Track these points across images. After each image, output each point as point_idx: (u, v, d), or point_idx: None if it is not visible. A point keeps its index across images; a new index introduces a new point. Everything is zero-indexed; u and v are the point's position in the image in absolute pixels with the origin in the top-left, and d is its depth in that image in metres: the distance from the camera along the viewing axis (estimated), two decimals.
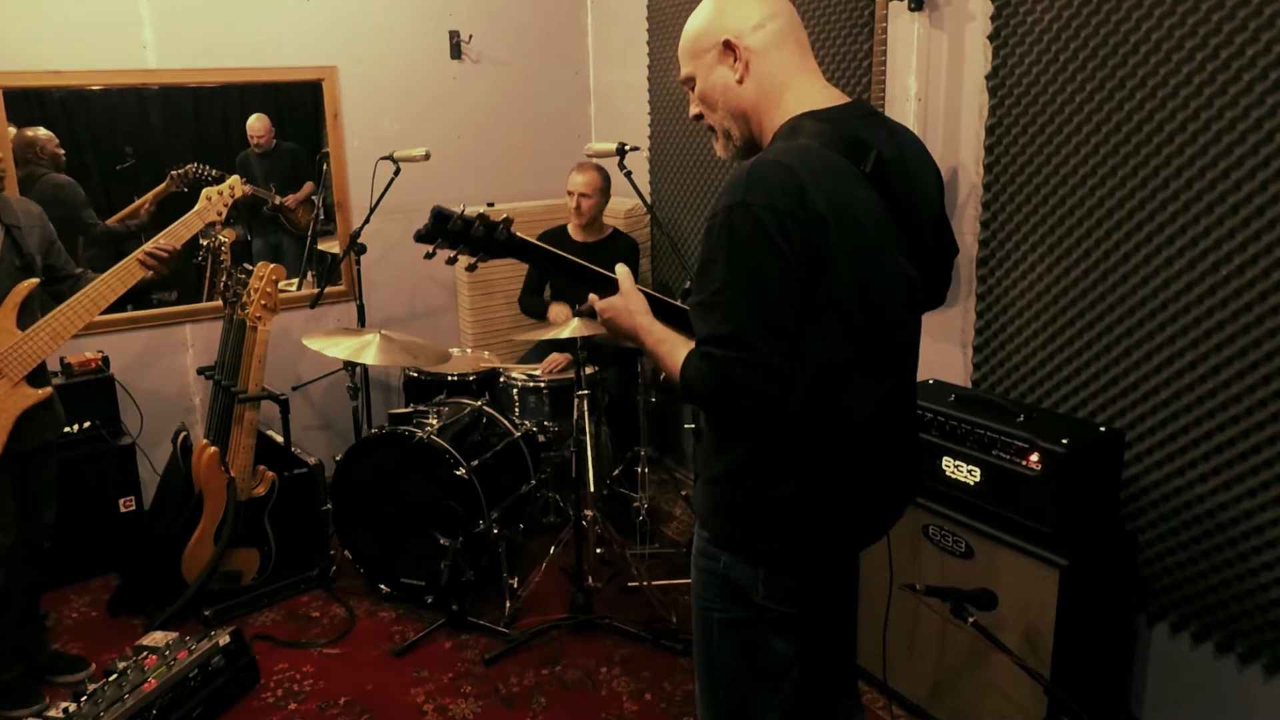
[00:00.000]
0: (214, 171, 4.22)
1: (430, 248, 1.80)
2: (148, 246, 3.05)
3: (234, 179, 3.33)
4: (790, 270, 1.58)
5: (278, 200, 4.50)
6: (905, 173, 1.74)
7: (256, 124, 4.41)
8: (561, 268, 1.94)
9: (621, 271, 1.90)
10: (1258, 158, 2.31)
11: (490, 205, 5.01)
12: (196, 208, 3.23)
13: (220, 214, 3.27)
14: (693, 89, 1.82)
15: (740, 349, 1.58)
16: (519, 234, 1.84)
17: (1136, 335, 2.63)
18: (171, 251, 3.06)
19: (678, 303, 1.91)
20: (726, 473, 1.78)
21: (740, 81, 1.74)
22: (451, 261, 1.86)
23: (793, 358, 1.61)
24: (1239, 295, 2.38)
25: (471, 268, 1.89)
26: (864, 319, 1.69)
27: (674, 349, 1.75)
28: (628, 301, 1.87)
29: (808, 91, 1.74)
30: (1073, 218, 2.75)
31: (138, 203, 4.19)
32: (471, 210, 1.78)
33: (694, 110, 1.85)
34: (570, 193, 4.20)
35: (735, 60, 1.75)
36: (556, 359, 4.11)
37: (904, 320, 1.82)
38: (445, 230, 1.77)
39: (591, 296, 1.93)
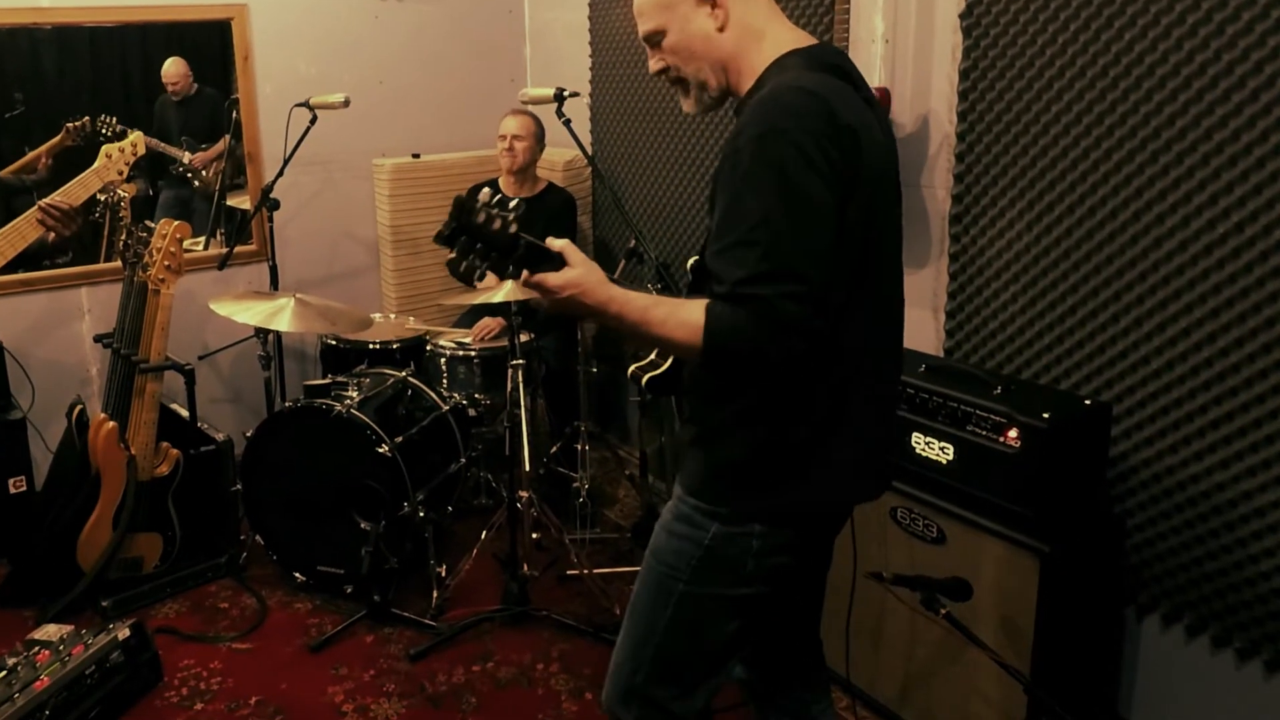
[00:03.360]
0: (115, 124, 4.07)
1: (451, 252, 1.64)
2: (43, 201, 2.97)
3: (136, 135, 3.27)
4: (833, 193, 1.59)
5: (188, 159, 4.36)
6: (879, 110, 1.81)
7: (172, 69, 4.23)
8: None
9: (562, 242, 1.72)
10: (1257, 104, 2.22)
11: (416, 156, 4.88)
12: (95, 166, 3.20)
13: (121, 174, 3.24)
14: (656, 45, 1.82)
15: (793, 282, 1.55)
16: (525, 235, 1.66)
17: (1125, 299, 2.55)
18: (69, 209, 2.98)
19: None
20: (735, 421, 1.74)
21: (721, 30, 1.76)
22: (479, 277, 1.69)
23: (840, 288, 1.62)
24: (1237, 255, 2.30)
25: (479, 277, 1.69)
26: (882, 245, 1.73)
27: (675, 310, 1.64)
28: (590, 271, 1.70)
29: (783, 35, 1.78)
30: (1055, 170, 2.66)
31: (33, 154, 4.01)
32: (489, 193, 1.63)
33: (658, 65, 1.84)
34: (503, 136, 4.14)
35: (715, 8, 1.76)
36: (489, 324, 4.01)
37: (899, 255, 1.83)
38: (471, 225, 1.61)
39: (534, 277, 1.71)
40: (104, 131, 3.99)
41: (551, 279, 1.67)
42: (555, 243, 1.70)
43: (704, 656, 1.87)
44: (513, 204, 1.65)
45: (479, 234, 1.61)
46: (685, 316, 1.61)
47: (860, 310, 1.69)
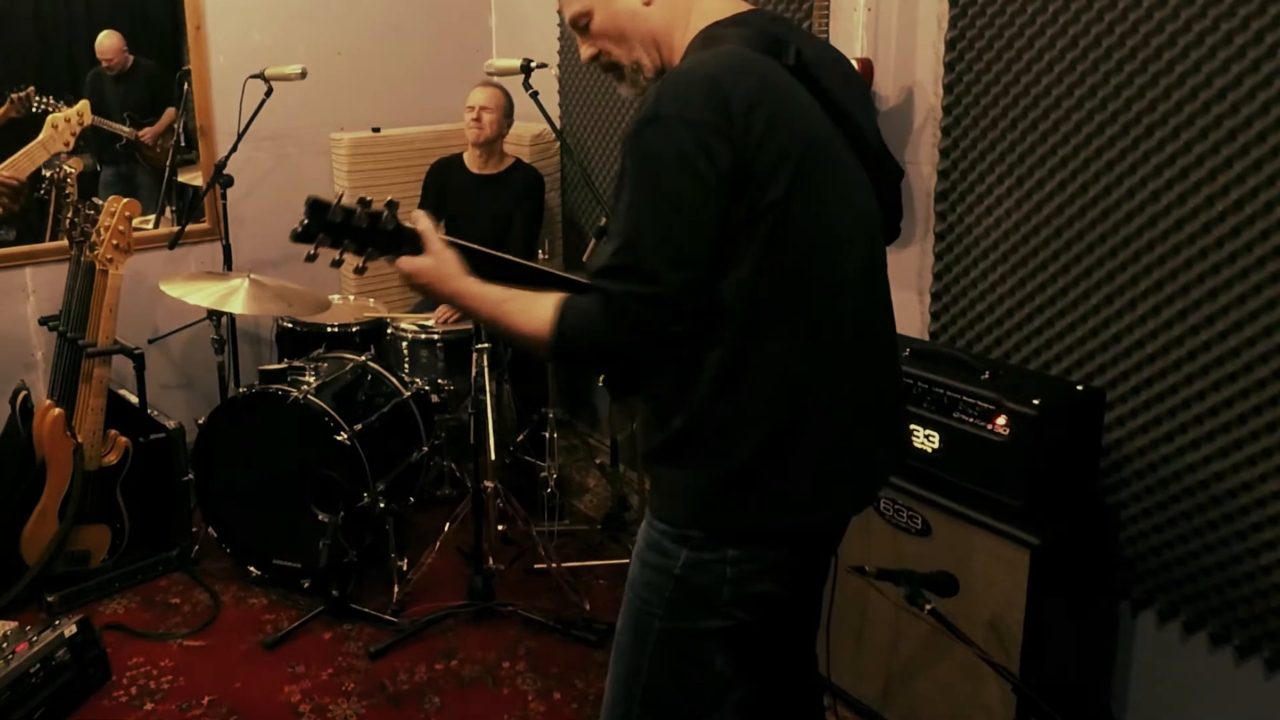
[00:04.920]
0: (60, 105, 4.00)
1: (311, 248, 1.65)
2: None
3: (83, 104, 3.27)
4: (709, 190, 1.50)
5: (134, 135, 4.31)
6: (829, 74, 1.71)
7: (106, 43, 4.15)
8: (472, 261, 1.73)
9: (424, 225, 1.69)
10: (1258, 76, 2.17)
11: (376, 130, 4.79)
12: (41, 137, 3.19)
13: (68, 143, 3.26)
14: (585, 30, 1.77)
15: (643, 282, 1.49)
16: (408, 223, 1.68)
17: (1119, 280, 2.51)
18: (16, 183, 2.97)
19: (508, 256, 1.77)
20: (672, 443, 1.67)
21: (647, 4, 1.71)
22: (337, 264, 1.70)
23: (704, 293, 1.54)
24: (1236, 234, 2.26)
25: (360, 270, 1.71)
26: (815, 224, 1.59)
27: (527, 305, 1.61)
28: (440, 263, 1.67)
29: (712, 4, 1.72)
30: (1046, 145, 2.62)
31: None
32: (350, 199, 1.64)
33: (590, 52, 1.79)
34: (470, 107, 4.09)
35: None
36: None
37: (865, 230, 1.72)
38: (325, 222, 1.62)
39: (395, 261, 1.70)
40: (48, 110, 3.90)
41: (404, 265, 1.67)
42: (419, 221, 1.70)
43: (696, 696, 1.78)
44: (383, 202, 1.66)
45: (345, 231, 1.63)
46: (539, 310, 1.56)
47: (797, 300, 1.59)
